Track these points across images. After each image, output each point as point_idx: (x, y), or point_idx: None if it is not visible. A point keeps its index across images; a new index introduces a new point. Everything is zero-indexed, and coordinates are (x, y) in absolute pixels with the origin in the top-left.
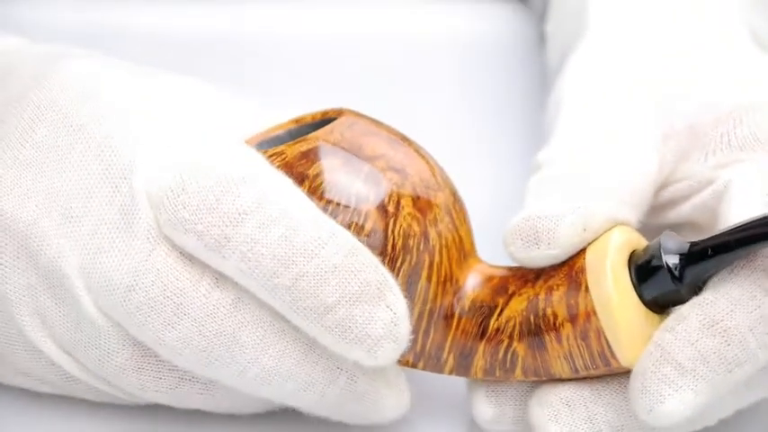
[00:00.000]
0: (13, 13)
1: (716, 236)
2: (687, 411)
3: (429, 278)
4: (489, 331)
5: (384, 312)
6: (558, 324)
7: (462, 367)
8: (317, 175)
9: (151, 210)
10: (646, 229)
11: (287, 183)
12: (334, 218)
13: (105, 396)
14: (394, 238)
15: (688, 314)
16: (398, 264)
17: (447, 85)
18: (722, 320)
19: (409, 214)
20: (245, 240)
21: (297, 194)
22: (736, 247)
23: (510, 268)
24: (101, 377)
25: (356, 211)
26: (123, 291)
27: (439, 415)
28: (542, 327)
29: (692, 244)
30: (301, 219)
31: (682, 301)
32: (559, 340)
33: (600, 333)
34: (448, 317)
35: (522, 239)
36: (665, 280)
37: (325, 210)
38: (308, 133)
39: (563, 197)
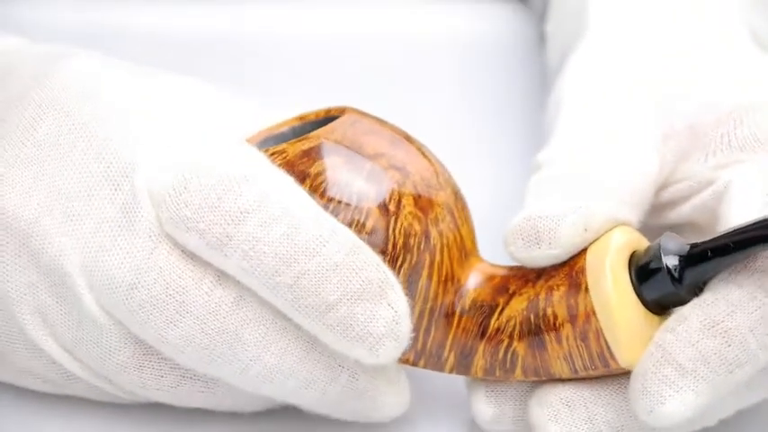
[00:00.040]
0: (13, 13)
1: (715, 238)
2: (688, 412)
3: (430, 277)
4: (490, 330)
5: (385, 310)
6: (557, 324)
7: (463, 366)
8: (319, 174)
9: (153, 208)
10: (647, 229)
11: (288, 181)
12: (336, 216)
13: (106, 395)
14: (395, 237)
15: (689, 315)
16: (399, 262)
17: (447, 85)
18: (723, 321)
19: (410, 213)
20: (247, 239)
21: (298, 193)
22: (735, 250)
23: (511, 268)
24: (102, 376)
25: (357, 209)
26: (125, 289)
27: (439, 414)
28: (542, 327)
29: (692, 246)
30: (303, 217)
31: (682, 303)
32: (559, 340)
33: (599, 334)
34: (449, 315)
35: (522, 239)
36: (665, 281)
37: (326, 208)
38: (311, 131)
39: (563, 197)
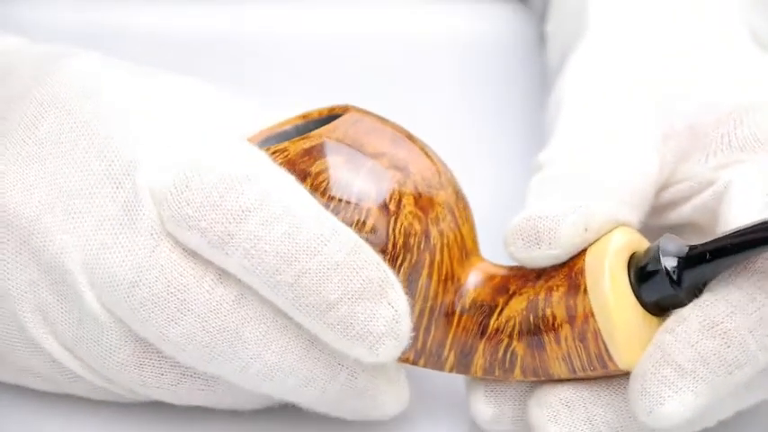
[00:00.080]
0: (13, 13)
1: (714, 240)
2: (687, 413)
3: (430, 276)
4: (489, 330)
5: (386, 310)
6: (556, 325)
7: (462, 365)
8: (320, 173)
9: (154, 206)
10: (647, 230)
11: (289, 180)
12: (336, 215)
13: (106, 394)
14: (395, 237)
15: (688, 316)
16: (399, 262)
17: (447, 85)
18: (722, 322)
19: (411, 213)
20: (248, 237)
21: (299, 192)
22: (734, 252)
23: (511, 268)
24: (102, 374)
25: (358, 208)
26: (127, 286)
27: (439, 413)
28: (541, 327)
29: (691, 248)
30: (304, 216)
31: (681, 305)
32: (558, 341)
33: (597, 335)
34: (449, 314)
35: (522, 239)
36: (664, 283)
37: (327, 207)
38: (313, 129)
39: (564, 197)
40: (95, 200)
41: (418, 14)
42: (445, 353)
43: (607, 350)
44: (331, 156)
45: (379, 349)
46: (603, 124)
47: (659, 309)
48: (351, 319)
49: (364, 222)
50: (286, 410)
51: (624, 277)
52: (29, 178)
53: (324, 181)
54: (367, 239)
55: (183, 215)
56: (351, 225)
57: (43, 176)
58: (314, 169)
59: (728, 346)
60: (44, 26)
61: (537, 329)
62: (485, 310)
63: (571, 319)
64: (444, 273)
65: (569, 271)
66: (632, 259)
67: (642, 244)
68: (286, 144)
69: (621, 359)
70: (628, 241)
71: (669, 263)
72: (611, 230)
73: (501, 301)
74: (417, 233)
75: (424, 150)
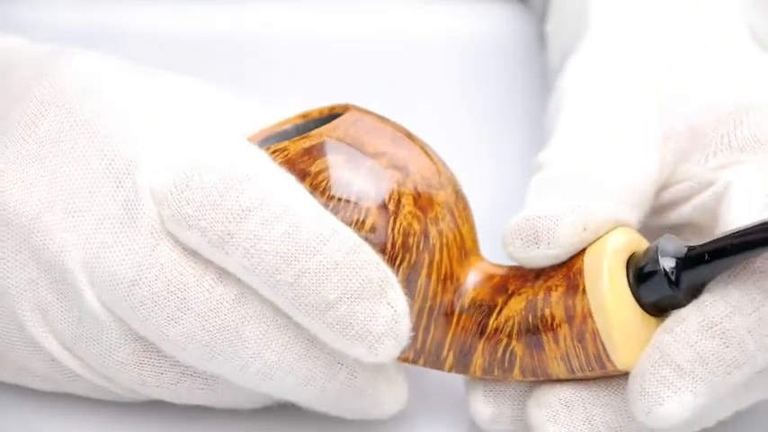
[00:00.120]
0: (13, 13)
1: (713, 241)
2: (686, 413)
3: (429, 276)
4: (488, 330)
5: (385, 309)
6: (555, 325)
7: (462, 365)
8: (320, 172)
9: (154, 205)
10: (647, 230)
11: (289, 180)
12: (336, 214)
13: (105, 393)
14: (394, 236)
15: (687, 316)
16: (398, 261)
17: (447, 85)
18: (721, 322)
19: (410, 213)
20: (248, 237)
21: (299, 191)
22: (733, 253)
23: (511, 267)
24: (101, 373)
25: (357, 207)
26: (127, 285)
27: (438, 412)
28: (540, 327)
29: (690, 248)
30: (304, 216)
31: (680, 306)
32: (556, 341)
33: (596, 335)
34: (448, 314)
35: (521, 239)
36: (662, 284)
37: (326, 206)
38: (314, 128)
39: (563, 197)
40: (95, 198)
41: (418, 14)
42: (444, 352)
43: (605, 350)
44: (331, 155)
45: (378, 349)
46: (604, 124)
47: (658, 309)
48: (350, 318)
49: (363, 222)
50: (285, 410)
51: (623, 278)
52: (29, 177)
53: (323, 180)
54: (366, 239)
55: (183, 214)
56: (350, 224)
57: (43, 175)
58: (314, 168)
59: (727, 347)
60: (44, 26)
61: (536, 329)
62: (484, 309)
63: (570, 320)
64: (443, 272)
65: (568, 271)
66: (631, 260)
67: (641, 244)
68: (286, 143)
69: (620, 359)
70: (627, 241)
71: (667, 264)
72: (610, 230)
73: (500, 300)
74: (416, 233)
75: (425, 150)
